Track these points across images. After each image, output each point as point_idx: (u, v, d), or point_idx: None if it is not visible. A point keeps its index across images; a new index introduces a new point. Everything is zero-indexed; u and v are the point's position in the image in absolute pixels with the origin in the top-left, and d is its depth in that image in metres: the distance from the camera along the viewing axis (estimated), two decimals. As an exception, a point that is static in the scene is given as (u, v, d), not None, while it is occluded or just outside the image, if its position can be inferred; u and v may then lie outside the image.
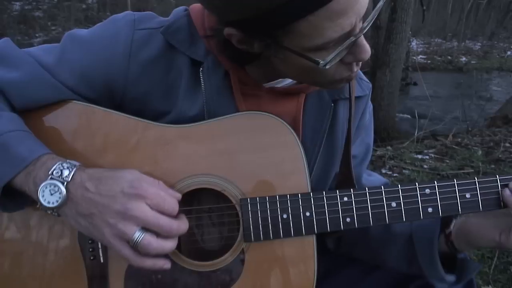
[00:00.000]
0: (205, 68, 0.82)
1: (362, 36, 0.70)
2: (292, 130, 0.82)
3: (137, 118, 0.82)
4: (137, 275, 0.81)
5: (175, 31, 0.82)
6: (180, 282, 0.81)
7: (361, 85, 0.95)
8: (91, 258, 0.80)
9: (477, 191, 0.83)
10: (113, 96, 0.83)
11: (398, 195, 0.83)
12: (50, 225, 0.80)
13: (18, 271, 0.80)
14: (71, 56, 0.81)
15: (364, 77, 0.98)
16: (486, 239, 0.83)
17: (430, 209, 0.83)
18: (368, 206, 0.82)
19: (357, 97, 0.93)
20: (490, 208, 0.84)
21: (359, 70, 0.93)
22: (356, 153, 0.98)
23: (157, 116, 0.83)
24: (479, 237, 0.84)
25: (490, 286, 1.92)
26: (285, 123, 0.82)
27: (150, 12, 0.88)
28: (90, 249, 0.80)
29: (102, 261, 0.80)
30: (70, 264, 0.80)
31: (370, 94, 0.99)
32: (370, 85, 0.98)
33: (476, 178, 0.84)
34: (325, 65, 0.69)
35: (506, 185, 0.83)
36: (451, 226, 0.88)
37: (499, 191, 0.83)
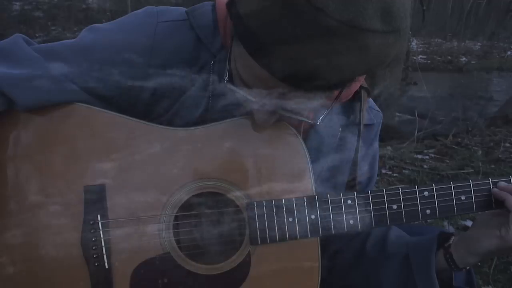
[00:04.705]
0: (216, 62, 0.82)
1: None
2: (297, 133, 0.83)
3: (140, 121, 0.82)
4: (143, 279, 0.81)
5: (200, 15, 0.82)
6: (186, 285, 0.82)
7: (371, 114, 0.97)
8: (95, 264, 0.80)
9: (471, 193, 0.88)
10: (129, 90, 0.81)
11: (399, 197, 0.85)
12: (53, 233, 0.79)
13: (20, 279, 0.79)
14: (91, 47, 0.80)
15: (375, 107, 0.99)
16: (488, 237, 0.85)
17: (428, 211, 0.87)
18: (370, 209, 0.84)
19: (366, 125, 0.94)
20: (484, 209, 0.89)
21: (371, 99, 0.95)
22: (361, 180, 0.99)
23: (164, 110, 0.83)
24: (481, 239, 0.85)
25: (490, 286, 1.93)
26: (290, 126, 0.83)
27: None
28: (94, 255, 0.80)
29: (106, 266, 0.80)
30: (73, 271, 0.80)
31: (381, 123, 1.00)
32: (381, 115, 0.99)
33: (471, 181, 0.88)
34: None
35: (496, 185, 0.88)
36: (451, 240, 0.90)
37: (491, 193, 0.88)
